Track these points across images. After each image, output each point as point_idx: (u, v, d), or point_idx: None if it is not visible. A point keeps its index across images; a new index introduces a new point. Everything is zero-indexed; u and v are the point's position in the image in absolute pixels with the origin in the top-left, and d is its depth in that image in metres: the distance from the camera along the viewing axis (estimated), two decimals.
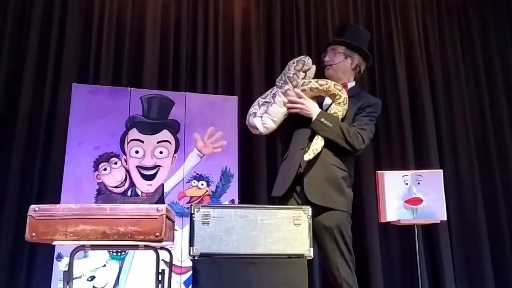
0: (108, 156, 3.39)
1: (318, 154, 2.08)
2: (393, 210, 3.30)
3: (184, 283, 3.29)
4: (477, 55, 4.69)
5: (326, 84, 2.17)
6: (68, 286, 1.63)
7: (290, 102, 2.17)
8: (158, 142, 3.51)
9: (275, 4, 4.39)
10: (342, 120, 2.17)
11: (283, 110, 2.20)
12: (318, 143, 2.09)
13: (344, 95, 2.16)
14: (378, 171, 3.44)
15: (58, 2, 3.91)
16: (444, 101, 4.52)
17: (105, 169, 3.36)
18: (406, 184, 3.33)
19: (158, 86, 3.90)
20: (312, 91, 2.19)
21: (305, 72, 2.21)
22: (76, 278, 3.05)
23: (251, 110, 2.27)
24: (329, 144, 2.11)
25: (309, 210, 1.96)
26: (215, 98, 3.80)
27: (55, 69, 3.79)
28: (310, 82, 2.20)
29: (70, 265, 1.67)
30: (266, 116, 2.20)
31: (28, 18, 3.82)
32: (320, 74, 2.31)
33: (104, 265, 3.20)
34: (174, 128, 3.55)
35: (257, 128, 2.22)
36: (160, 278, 1.89)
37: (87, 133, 3.36)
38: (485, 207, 4.25)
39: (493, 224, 4.24)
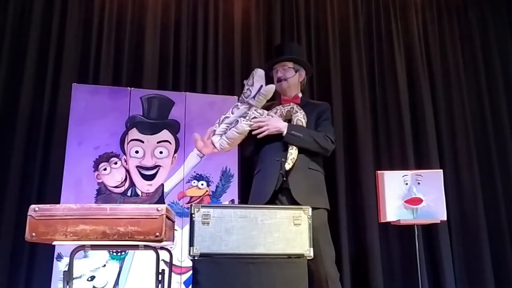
0: (108, 156, 3.39)
1: (295, 162, 2.28)
2: (393, 210, 3.29)
3: (184, 283, 3.29)
4: (477, 55, 4.69)
5: (281, 110, 2.42)
6: (68, 286, 1.63)
7: (256, 127, 2.35)
8: (158, 142, 3.51)
9: (275, 4, 4.39)
10: (306, 126, 2.40)
11: (239, 136, 2.38)
12: (293, 152, 2.29)
13: (294, 106, 2.44)
14: (378, 171, 3.43)
15: (58, 2, 3.91)
16: (444, 101, 4.52)
17: (105, 169, 3.36)
18: (406, 184, 3.33)
19: (158, 86, 3.90)
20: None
21: (264, 95, 2.36)
22: (76, 278, 3.05)
23: (213, 127, 2.46)
24: (302, 150, 2.33)
25: (309, 210, 1.96)
26: (215, 98, 3.80)
27: (55, 69, 3.79)
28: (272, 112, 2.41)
29: (70, 265, 1.67)
30: (224, 139, 2.39)
31: (28, 18, 3.82)
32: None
33: (104, 265, 3.20)
34: (174, 128, 3.55)
35: (214, 146, 2.43)
36: (160, 278, 1.89)
37: (87, 133, 3.36)
38: (485, 207, 4.25)
39: (493, 224, 4.24)
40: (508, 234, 4.23)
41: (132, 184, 3.41)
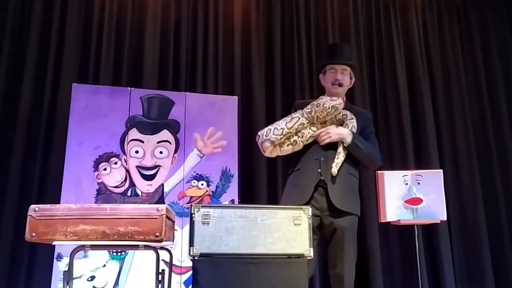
0: (108, 156, 3.39)
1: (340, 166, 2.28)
2: (393, 210, 3.29)
3: (184, 283, 3.29)
4: (477, 55, 4.69)
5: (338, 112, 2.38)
6: (68, 286, 1.63)
7: (319, 136, 2.32)
8: (158, 142, 3.51)
9: (275, 4, 4.39)
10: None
11: (292, 150, 2.35)
12: (341, 158, 2.29)
13: (347, 112, 2.40)
14: (378, 171, 3.43)
15: (58, 2, 3.91)
16: (444, 101, 4.52)
17: (105, 169, 3.36)
18: (406, 184, 3.33)
19: (158, 86, 3.90)
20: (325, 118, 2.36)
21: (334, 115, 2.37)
22: (76, 278, 3.05)
23: (271, 136, 2.32)
24: (347, 156, 2.32)
25: (309, 210, 1.96)
26: (215, 98, 3.80)
27: (55, 69, 3.79)
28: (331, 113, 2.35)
29: (70, 265, 1.67)
30: (277, 150, 2.35)
31: (28, 18, 3.82)
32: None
33: (104, 265, 3.20)
34: (174, 128, 3.55)
35: (264, 151, 2.38)
36: (160, 278, 1.89)
37: (87, 133, 3.36)
38: (485, 207, 4.25)
39: (493, 224, 4.24)
40: (508, 234, 4.23)
41: (132, 184, 3.41)
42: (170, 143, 3.53)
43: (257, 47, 4.25)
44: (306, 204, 2.21)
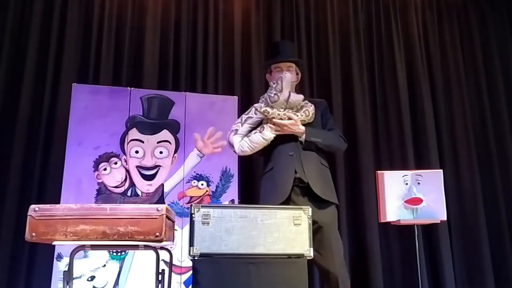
0: (108, 156, 3.39)
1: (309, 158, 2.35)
2: (393, 210, 3.29)
3: (184, 283, 3.29)
4: (477, 55, 4.69)
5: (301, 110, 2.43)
6: (68, 286, 1.63)
7: (278, 126, 2.35)
8: (158, 142, 3.51)
9: (275, 4, 4.39)
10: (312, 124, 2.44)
11: (264, 143, 2.38)
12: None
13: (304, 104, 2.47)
14: (378, 171, 3.43)
15: (58, 2, 3.91)
16: (444, 101, 4.52)
17: (105, 169, 3.36)
18: (406, 184, 3.33)
19: (158, 86, 3.90)
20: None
21: (292, 104, 2.42)
22: (76, 278, 3.05)
23: (234, 126, 2.45)
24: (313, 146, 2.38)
25: (309, 210, 1.96)
26: (215, 98, 3.80)
27: (55, 69, 3.79)
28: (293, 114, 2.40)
29: (70, 265, 1.67)
30: (246, 142, 2.40)
31: (28, 18, 3.82)
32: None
33: (104, 265, 3.20)
34: (174, 128, 3.55)
35: (233, 147, 2.44)
36: (160, 278, 1.89)
37: (87, 133, 3.36)
38: (485, 207, 4.25)
39: (493, 224, 4.24)
40: (508, 234, 4.23)
41: (132, 184, 3.41)
42: (170, 143, 3.53)
43: (257, 47, 4.25)
44: (284, 203, 2.24)
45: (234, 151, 2.46)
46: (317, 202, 2.27)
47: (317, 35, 4.43)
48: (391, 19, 4.57)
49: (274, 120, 2.34)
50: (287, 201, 2.27)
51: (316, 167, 2.34)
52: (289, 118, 2.34)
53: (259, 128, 2.39)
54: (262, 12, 4.36)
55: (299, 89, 4.17)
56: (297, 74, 2.58)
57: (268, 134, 2.35)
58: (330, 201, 2.31)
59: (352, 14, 4.50)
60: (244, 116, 2.46)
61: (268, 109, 2.36)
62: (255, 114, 2.40)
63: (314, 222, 2.18)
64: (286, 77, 2.38)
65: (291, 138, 2.37)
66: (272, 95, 2.38)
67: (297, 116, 2.36)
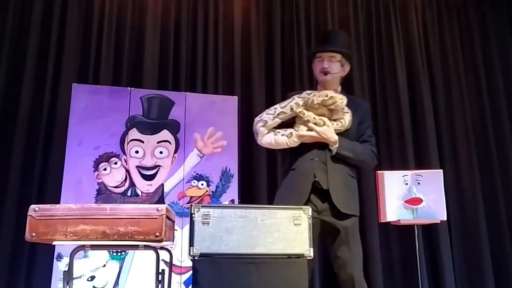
0: (108, 156, 3.39)
1: (337, 167, 2.24)
2: (393, 210, 3.29)
3: (184, 283, 3.29)
4: (477, 55, 4.69)
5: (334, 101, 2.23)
6: (68, 286, 1.63)
7: (308, 134, 2.22)
8: (158, 142, 3.51)
9: (275, 4, 4.39)
10: (347, 130, 2.28)
11: (287, 147, 2.25)
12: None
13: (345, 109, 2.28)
14: (378, 171, 3.43)
15: (58, 2, 3.91)
16: (444, 101, 4.52)
17: (105, 169, 3.36)
18: (406, 184, 3.33)
19: (158, 86, 3.90)
20: (321, 107, 2.23)
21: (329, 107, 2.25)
22: (76, 278, 3.05)
23: (265, 115, 2.29)
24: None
25: (309, 210, 1.96)
26: (215, 98, 3.80)
27: (55, 69, 3.79)
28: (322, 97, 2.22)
29: (70, 265, 1.67)
30: (270, 138, 2.27)
31: (28, 18, 3.82)
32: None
33: (104, 265, 3.20)
34: (174, 128, 3.55)
35: (257, 136, 2.32)
36: (160, 278, 1.89)
37: (87, 133, 3.36)
38: (485, 207, 4.25)
39: (493, 224, 4.24)
40: (508, 234, 4.23)
41: (132, 184, 3.41)
42: (170, 143, 3.53)
43: (257, 47, 4.25)
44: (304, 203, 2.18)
45: (256, 140, 2.35)
46: (337, 210, 2.20)
47: (317, 35, 4.42)
48: (391, 19, 4.57)
49: (309, 124, 2.21)
50: (306, 202, 2.20)
51: (342, 178, 2.24)
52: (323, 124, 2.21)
53: (288, 131, 2.26)
54: (262, 12, 4.36)
55: (300, 89, 4.19)
56: (342, 65, 2.38)
57: (294, 142, 2.24)
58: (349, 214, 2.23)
59: (352, 14, 4.50)
60: (278, 109, 2.27)
61: (304, 110, 2.23)
62: (290, 111, 2.26)
63: (333, 226, 2.19)
64: (343, 103, 2.24)
65: (320, 143, 2.24)
66: (308, 95, 2.25)
67: (332, 124, 2.23)
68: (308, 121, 2.22)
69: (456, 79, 4.59)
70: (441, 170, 3.48)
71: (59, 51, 3.82)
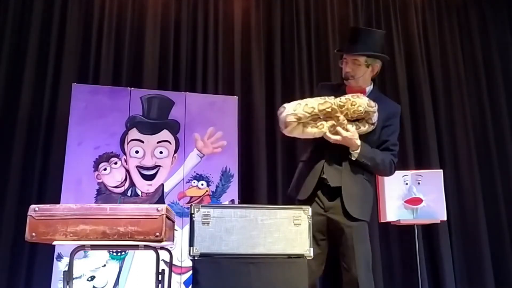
0: (108, 156, 3.39)
1: (352, 169, 2.19)
2: (393, 210, 3.30)
3: (184, 283, 3.29)
4: (477, 55, 4.69)
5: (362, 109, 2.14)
6: (68, 286, 1.63)
7: (334, 138, 2.13)
8: (158, 142, 3.50)
9: (275, 4, 4.39)
10: (370, 132, 2.20)
11: (313, 135, 2.17)
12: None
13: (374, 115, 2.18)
14: None
15: (58, 2, 3.91)
16: (444, 101, 4.52)
17: (105, 169, 3.36)
18: (406, 184, 3.33)
19: (158, 86, 3.90)
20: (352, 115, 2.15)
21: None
22: (76, 278, 3.05)
23: (299, 111, 2.13)
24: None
25: (309, 210, 1.96)
26: (215, 98, 3.80)
27: (55, 69, 3.79)
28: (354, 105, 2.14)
29: (70, 265, 1.67)
30: (301, 128, 2.15)
31: (28, 18, 3.82)
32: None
33: (104, 265, 3.20)
34: (174, 128, 3.55)
35: (284, 125, 2.17)
36: (160, 278, 1.89)
37: (87, 133, 3.36)
38: (485, 207, 4.25)
39: (493, 224, 4.24)
40: (508, 234, 4.23)
41: (132, 184, 3.41)
42: (170, 143, 3.53)
43: (257, 47, 4.25)
44: (308, 199, 2.17)
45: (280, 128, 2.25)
46: (345, 209, 2.16)
47: (317, 35, 4.43)
48: (391, 19, 4.57)
49: (337, 128, 2.12)
50: (311, 199, 2.18)
51: (356, 179, 2.19)
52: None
53: (319, 123, 2.15)
54: (262, 12, 4.36)
55: (300, 89, 4.19)
56: (369, 66, 2.25)
57: (321, 133, 2.15)
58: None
59: (352, 14, 4.50)
60: (315, 110, 2.11)
61: (341, 116, 2.13)
62: (325, 115, 2.15)
63: (339, 225, 2.14)
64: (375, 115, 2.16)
65: (334, 146, 2.16)
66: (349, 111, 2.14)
67: (357, 127, 2.16)
68: (336, 123, 2.14)
69: (456, 79, 4.59)
70: (441, 170, 3.48)
71: (59, 51, 3.82)
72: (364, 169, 2.21)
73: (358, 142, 2.14)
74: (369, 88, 2.33)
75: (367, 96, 2.21)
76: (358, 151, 2.15)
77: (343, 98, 2.14)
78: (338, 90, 2.31)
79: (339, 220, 2.15)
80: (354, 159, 2.15)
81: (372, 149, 2.21)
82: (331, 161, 2.20)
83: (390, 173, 2.32)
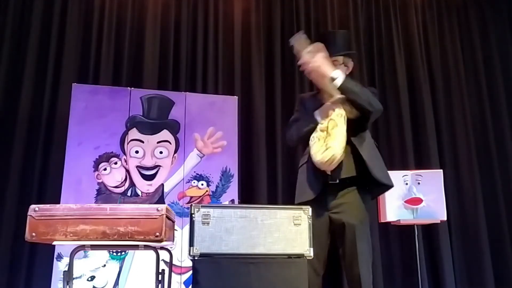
0: (108, 156, 3.39)
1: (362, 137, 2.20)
2: (393, 210, 3.30)
3: (184, 283, 3.29)
4: (477, 55, 4.69)
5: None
6: (68, 286, 1.63)
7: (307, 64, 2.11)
8: (158, 142, 3.51)
9: (275, 4, 4.39)
10: None
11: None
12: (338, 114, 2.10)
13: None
14: None
15: (58, 2, 3.91)
16: (444, 101, 4.52)
17: (105, 169, 3.36)
18: (406, 184, 3.33)
19: (158, 86, 3.90)
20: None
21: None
22: (76, 278, 3.05)
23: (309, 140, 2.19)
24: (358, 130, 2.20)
25: (309, 210, 1.95)
26: (215, 98, 3.80)
27: (55, 69, 3.79)
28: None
29: (70, 265, 1.67)
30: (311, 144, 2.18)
31: (28, 18, 3.82)
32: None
33: (104, 265, 3.20)
34: (174, 128, 3.55)
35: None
36: (160, 278, 1.89)
37: (87, 133, 3.36)
38: (485, 207, 4.25)
39: (493, 224, 4.24)
40: (508, 234, 4.23)
41: (132, 184, 3.41)
42: (170, 143, 3.53)
43: (257, 47, 4.25)
44: (314, 200, 2.14)
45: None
46: (349, 206, 2.17)
47: (317, 35, 4.42)
48: (391, 19, 4.58)
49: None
50: (320, 198, 2.17)
51: (371, 148, 2.22)
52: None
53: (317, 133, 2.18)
54: (262, 12, 4.37)
55: (300, 89, 4.19)
56: (346, 65, 2.32)
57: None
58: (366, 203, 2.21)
59: (352, 14, 4.50)
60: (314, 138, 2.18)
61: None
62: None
63: (339, 221, 2.14)
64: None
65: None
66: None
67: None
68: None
69: (456, 79, 4.59)
70: (441, 170, 3.49)
71: (59, 51, 3.83)
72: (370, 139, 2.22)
73: (337, 70, 2.14)
74: None
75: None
76: (343, 76, 2.11)
77: (324, 123, 2.15)
78: (317, 98, 2.31)
79: (342, 219, 2.15)
80: (339, 84, 2.10)
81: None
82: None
83: (376, 105, 2.20)
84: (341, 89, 2.11)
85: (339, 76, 2.12)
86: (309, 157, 2.23)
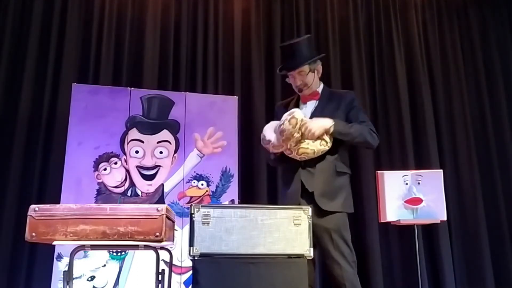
0: (108, 156, 3.39)
1: (322, 163, 2.24)
2: (393, 210, 3.29)
3: (184, 283, 3.29)
4: (477, 55, 4.69)
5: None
6: (68, 286, 1.63)
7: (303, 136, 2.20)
8: (158, 142, 3.51)
9: (275, 4, 4.39)
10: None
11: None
12: (323, 145, 2.20)
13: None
14: (378, 171, 3.43)
15: (58, 2, 3.91)
16: (444, 101, 4.52)
17: (105, 169, 3.36)
18: (406, 184, 3.33)
19: (158, 86, 3.90)
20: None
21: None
22: (76, 278, 3.05)
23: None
24: (334, 151, 2.26)
25: (309, 210, 1.96)
26: (215, 98, 3.80)
27: (55, 69, 3.79)
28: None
29: (70, 265, 1.67)
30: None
31: (28, 18, 3.82)
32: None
33: (104, 265, 3.20)
34: (174, 128, 3.55)
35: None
36: (160, 278, 1.89)
37: (87, 133, 3.36)
38: (485, 207, 4.25)
39: (493, 224, 4.24)
40: (508, 234, 4.23)
41: (132, 184, 3.41)
42: (170, 143, 3.53)
43: (257, 47, 4.25)
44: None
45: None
46: (321, 210, 2.18)
47: (317, 35, 4.43)
48: (391, 19, 4.58)
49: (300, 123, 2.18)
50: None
51: (327, 175, 2.23)
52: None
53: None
54: (262, 12, 4.36)
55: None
56: (313, 72, 2.35)
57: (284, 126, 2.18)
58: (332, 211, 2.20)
59: (352, 14, 4.50)
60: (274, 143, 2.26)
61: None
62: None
63: (318, 228, 2.13)
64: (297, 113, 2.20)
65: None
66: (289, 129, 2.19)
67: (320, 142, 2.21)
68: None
69: (456, 79, 4.59)
70: (441, 170, 3.48)
71: (59, 51, 3.83)
72: (337, 160, 2.28)
73: (329, 121, 2.22)
74: (320, 88, 2.44)
75: (321, 94, 2.39)
76: (333, 124, 2.21)
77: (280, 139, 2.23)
78: (291, 104, 2.44)
79: (317, 223, 2.14)
80: (332, 133, 2.21)
81: (347, 124, 2.29)
82: (306, 166, 2.25)
83: (373, 140, 2.36)
84: (334, 135, 2.22)
85: (330, 125, 2.21)
86: (286, 165, 2.31)
